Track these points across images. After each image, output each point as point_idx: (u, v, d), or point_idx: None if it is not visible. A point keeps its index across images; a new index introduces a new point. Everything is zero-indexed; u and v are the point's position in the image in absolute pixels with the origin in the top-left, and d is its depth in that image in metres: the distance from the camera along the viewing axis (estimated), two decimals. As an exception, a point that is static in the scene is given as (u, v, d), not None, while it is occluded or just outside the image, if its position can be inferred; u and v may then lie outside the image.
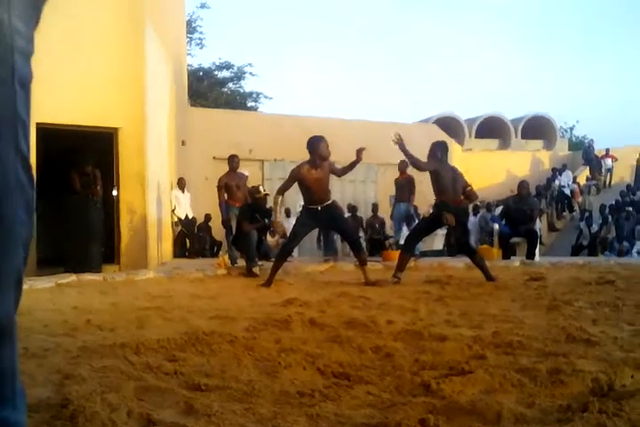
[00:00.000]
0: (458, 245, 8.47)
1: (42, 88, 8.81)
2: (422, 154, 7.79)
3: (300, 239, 8.23)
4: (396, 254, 12.03)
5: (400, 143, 7.39)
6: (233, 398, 2.48)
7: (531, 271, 8.39)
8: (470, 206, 17.14)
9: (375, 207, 15.21)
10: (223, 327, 4.02)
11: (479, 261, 7.67)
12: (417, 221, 10.70)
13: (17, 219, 1.05)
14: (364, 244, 12.92)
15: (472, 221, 16.75)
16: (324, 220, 7.82)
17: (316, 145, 7.52)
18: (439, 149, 7.81)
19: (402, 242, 14.19)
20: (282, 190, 7.78)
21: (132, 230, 10.14)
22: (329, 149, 7.59)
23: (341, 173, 8.01)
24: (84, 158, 10.19)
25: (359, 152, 7.47)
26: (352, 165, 7.77)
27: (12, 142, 1.04)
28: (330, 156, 7.63)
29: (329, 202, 7.73)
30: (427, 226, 8.37)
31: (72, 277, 7.81)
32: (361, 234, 14.47)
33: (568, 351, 3.20)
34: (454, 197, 7.70)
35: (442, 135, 22.13)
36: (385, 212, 14.36)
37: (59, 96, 9.21)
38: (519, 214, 11.33)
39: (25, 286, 6.88)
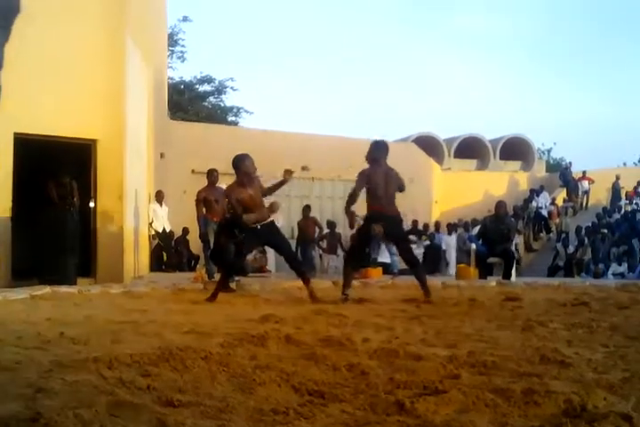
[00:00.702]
0: (404, 260, 8.40)
1: (21, 99, 8.80)
2: (400, 173, 7.60)
3: (246, 256, 8.39)
4: (373, 272, 12.11)
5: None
6: (206, 414, 2.46)
7: (507, 291, 8.40)
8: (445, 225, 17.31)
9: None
10: (198, 343, 3.99)
11: (420, 275, 7.57)
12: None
13: None
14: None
15: (449, 239, 16.90)
16: (265, 237, 7.87)
17: (240, 163, 7.53)
18: (376, 149, 7.48)
19: (380, 259, 14.30)
20: (240, 211, 7.54)
21: (108, 243, 10.06)
22: (254, 165, 7.61)
23: (267, 192, 8.00)
24: (61, 169, 10.13)
25: (286, 173, 7.68)
26: (278, 185, 7.92)
27: None
28: (255, 172, 7.63)
29: (269, 220, 7.77)
30: (361, 242, 8.19)
31: (47, 289, 7.74)
32: (339, 251, 14.48)
33: (542, 372, 3.22)
34: (388, 206, 7.41)
35: (421, 154, 22.29)
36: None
37: (37, 107, 9.18)
38: (496, 234, 11.35)
39: (-2, 298, 6.83)
